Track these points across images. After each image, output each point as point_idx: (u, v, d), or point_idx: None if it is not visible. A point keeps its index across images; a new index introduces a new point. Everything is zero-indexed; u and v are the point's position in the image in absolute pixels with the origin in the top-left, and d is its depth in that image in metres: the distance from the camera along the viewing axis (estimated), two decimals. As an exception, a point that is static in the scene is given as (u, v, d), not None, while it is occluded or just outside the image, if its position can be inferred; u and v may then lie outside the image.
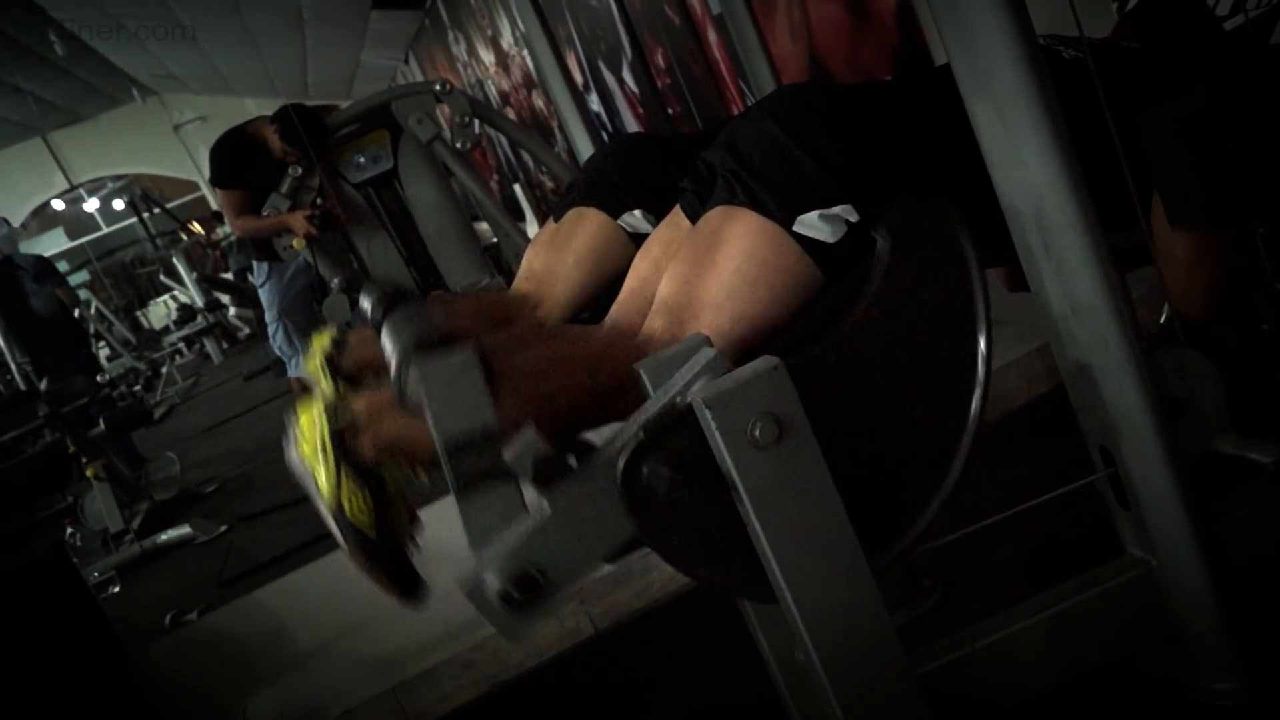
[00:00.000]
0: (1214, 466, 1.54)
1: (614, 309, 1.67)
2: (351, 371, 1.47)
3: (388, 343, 1.30)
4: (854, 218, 1.40)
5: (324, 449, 1.27)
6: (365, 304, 1.46)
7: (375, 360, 1.39)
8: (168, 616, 3.24)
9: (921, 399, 1.33)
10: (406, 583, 1.35)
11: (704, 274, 1.42)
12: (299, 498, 4.02)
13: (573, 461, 1.18)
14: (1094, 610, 1.45)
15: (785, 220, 1.40)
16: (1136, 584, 1.45)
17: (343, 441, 1.27)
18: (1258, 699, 1.43)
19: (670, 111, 5.71)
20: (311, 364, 1.49)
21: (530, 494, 1.18)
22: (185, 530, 4.75)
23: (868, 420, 1.30)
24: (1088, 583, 1.46)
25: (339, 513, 1.28)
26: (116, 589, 4.44)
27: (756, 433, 1.15)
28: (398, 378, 1.25)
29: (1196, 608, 1.43)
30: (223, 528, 4.75)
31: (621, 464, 1.17)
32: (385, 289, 1.47)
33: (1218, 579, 1.41)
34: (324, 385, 1.44)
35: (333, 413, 1.29)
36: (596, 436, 1.23)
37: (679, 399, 1.19)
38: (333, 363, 1.47)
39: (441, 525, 2.63)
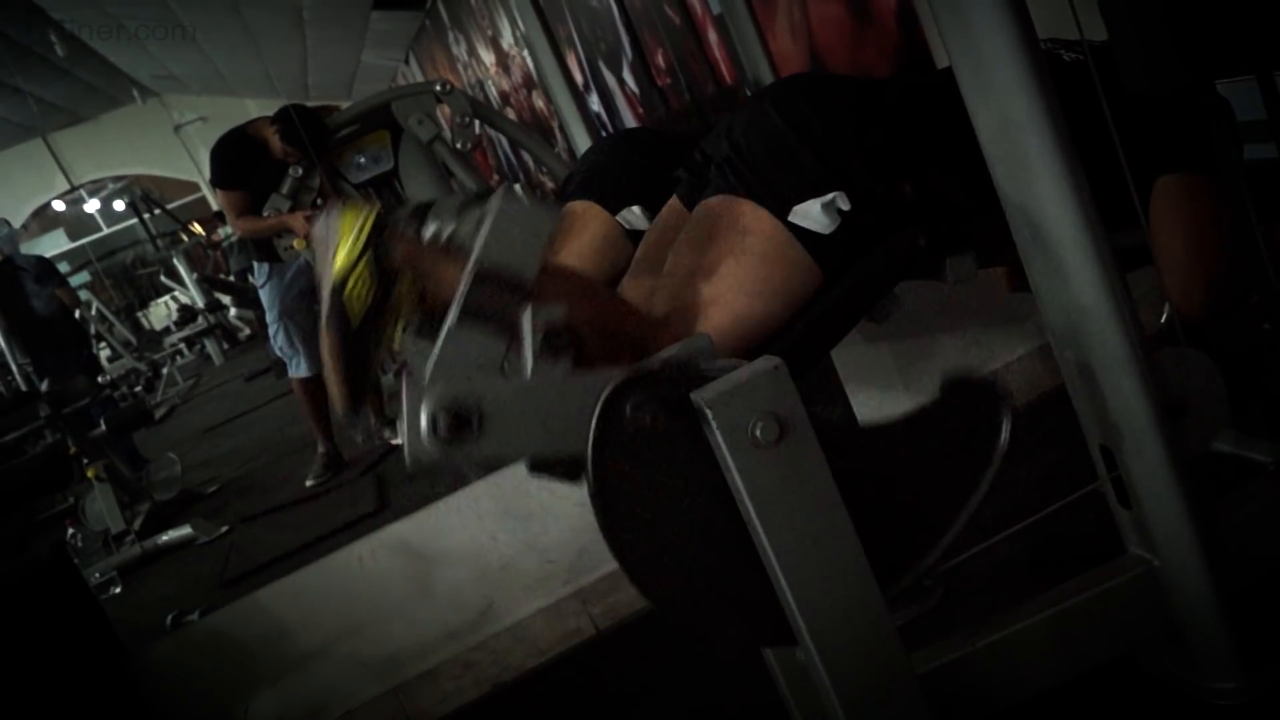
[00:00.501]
0: (1215, 466, 1.54)
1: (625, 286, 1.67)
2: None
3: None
4: (846, 205, 1.40)
5: (358, 234, 1.29)
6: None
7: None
8: (169, 617, 3.24)
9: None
10: (355, 388, 1.36)
11: (704, 267, 1.43)
12: (300, 498, 4.01)
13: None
14: (1095, 609, 1.45)
15: (781, 211, 1.40)
16: (1137, 583, 1.45)
17: (378, 234, 1.29)
18: (1259, 698, 1.43)
19: (670, 111, 5.70)
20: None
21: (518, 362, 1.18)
22: (186, 531, 4.75)
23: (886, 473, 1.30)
24: (1089, 582, 1.46)
25: (338, 286, 1.30)
26: (118, 590, 4.44)
27: (757, 432, 1.15)
28: (473, 199, 1.26)
29: (1197, 607, 1.43)
30: (224, 528, 4.75)
31: (617, 381, 1.17)
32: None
33: (1219, 578, 1.41)
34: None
35: (379, 217, 1.31)
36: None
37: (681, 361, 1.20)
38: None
39: (442, 529, 2.64)
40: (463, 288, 1.18)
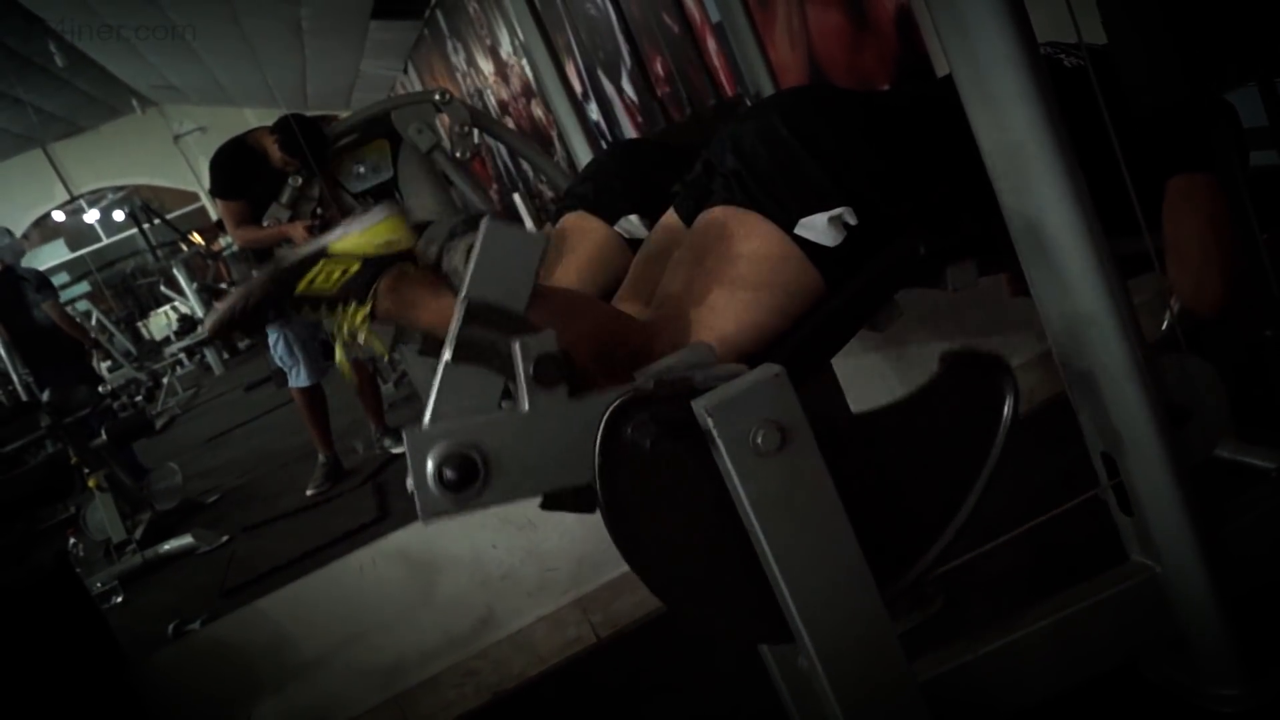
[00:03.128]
0: (1217, 472, 1.54)
1: (620, 297, 1.67)
2: None
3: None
4: (853, 220, 1.40)
5: (384, 244, 1.35)
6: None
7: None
8: (170, 626, 3.23)
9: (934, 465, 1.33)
10: (235, 324, 1.38)
11: (706, 275, 1.43)
12: (301, 507, 4.01)
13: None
14: (1097, 616, 1.45)
15: (787, 223, 1.40)
16: (1139, 590, 1.45)
17: (389, 263, 1.34)
18: (1261, 705, 1.43)
19: (669, 120, 5.71)
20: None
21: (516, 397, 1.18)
22: (187, 540, 4.74)
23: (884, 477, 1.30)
24: (1091, 589, 1.46)
25: (321, 252, 1.35)
26: (119, 599, 4.43)
27: (759, 440, 1.15)
28: (460, 227, 1.26)
29: (1199, 614, 1.43)
30: (224, 537, 4.74)
31: (614, 404, 1.17)
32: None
33: (1221, 585, 1.41)
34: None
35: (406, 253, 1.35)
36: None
37: (676, 376, 1.20)
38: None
39: (442, 538, 2.64)
40: (454, 326, 1.18)
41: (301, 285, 1.33)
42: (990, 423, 1.29)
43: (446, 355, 1.18)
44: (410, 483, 1.17)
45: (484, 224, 1.21)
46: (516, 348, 1.15)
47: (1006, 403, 1.28)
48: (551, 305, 1.29)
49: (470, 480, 1.16)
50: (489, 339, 1.18)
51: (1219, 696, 1.46)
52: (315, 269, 1.34)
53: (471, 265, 1.19)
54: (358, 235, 1.34)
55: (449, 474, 1.15)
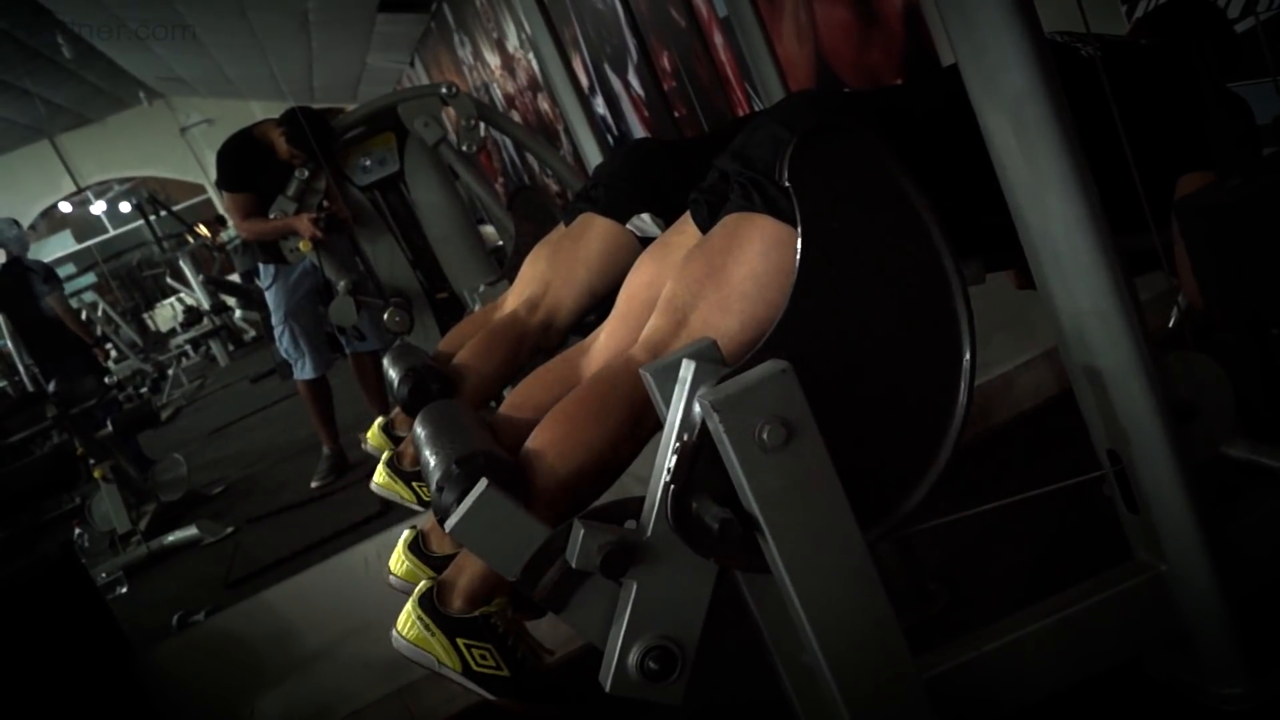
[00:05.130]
0: (1222, 470, 1.54)
1: (615, 310, 1.68)
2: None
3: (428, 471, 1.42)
4: None
5: (428, 628, 1.38)
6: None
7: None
8: (175, 617, 3.23)
9: (901, 351, 1.33)
10: (555, 696, 1.43)
11: (715, 276, 1.43)
12: (305, 500, 4.01)
13: (631, 524, 1.23)
14: (1101, 614, 1.45)
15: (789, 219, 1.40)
16: (1144, 588, 1.45)
17: (440, 615, 1.38)
18: (1265, 704, 1.43)
19: (676, 115, 5.70)
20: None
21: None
22: (192, 531, 4.75)
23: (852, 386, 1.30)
24: (1095, 586, 1.46)
25: (469, 671, 1.38)
26: (124, 590, 4.44)
27: (765, 435, 1.15)
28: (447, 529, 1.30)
29: (1204, 612, 1.42)
30: (229, 529, 4.75)
31: (668, 513, 1.20)
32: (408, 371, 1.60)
33: (1226, 583, 1.40)
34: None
35: (427, 596, 1.39)
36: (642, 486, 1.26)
37: (690, 423, 1.21)
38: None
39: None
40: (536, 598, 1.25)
41: (489, 668, 1.40)
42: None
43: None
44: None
45: (448, 527, 1.28)
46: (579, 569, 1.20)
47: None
48: (541, 477, 1.38)
49: (670, 657, 1.23)
50: (555, 577, 1.23)
51: (1223, 695, 1.46)
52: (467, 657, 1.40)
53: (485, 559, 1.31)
54: (405, 624, 1.41)
55: (654, 668, 1.23)
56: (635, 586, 1.21)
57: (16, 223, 6.72)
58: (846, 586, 1.22)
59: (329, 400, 4.85)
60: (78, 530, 4.84)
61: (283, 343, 4.73)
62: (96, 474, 4.76)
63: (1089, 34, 1.56)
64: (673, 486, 1.18)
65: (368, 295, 3.71)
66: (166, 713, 2.53)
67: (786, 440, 1.16)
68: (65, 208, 16.90)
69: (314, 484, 4.80)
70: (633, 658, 1.21)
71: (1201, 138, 1.57)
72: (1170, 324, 1.57)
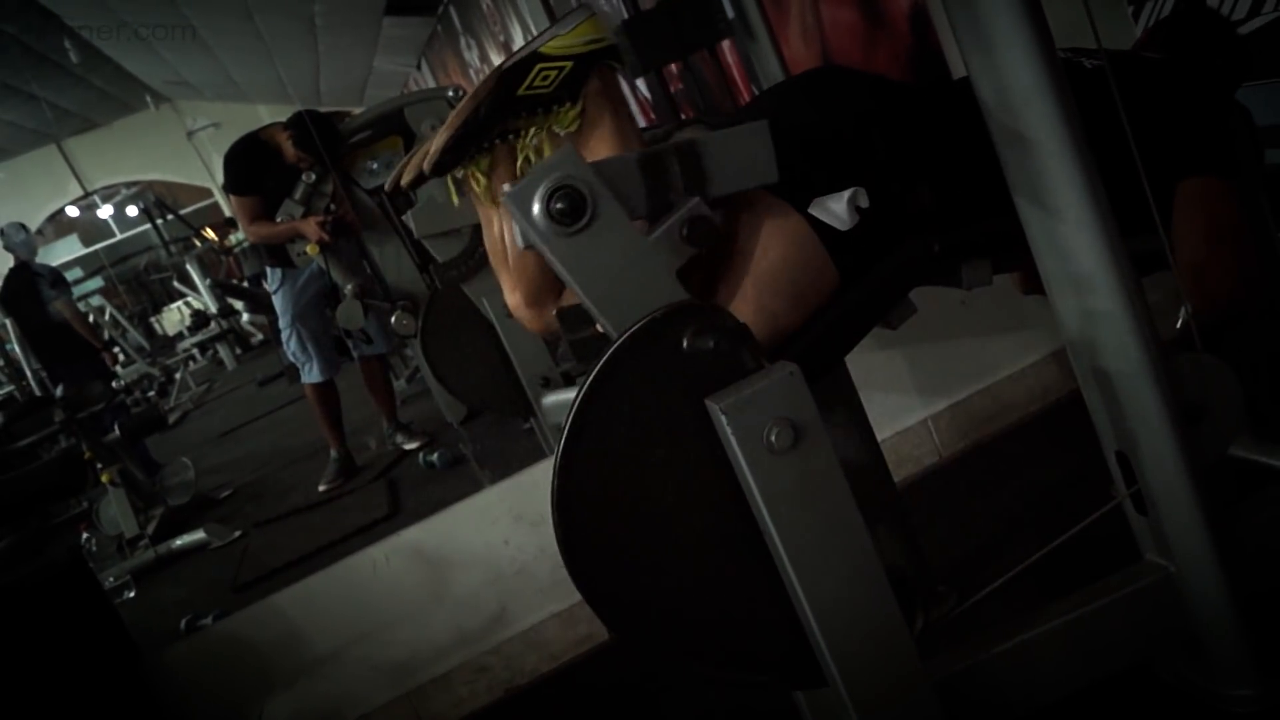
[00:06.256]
0: (1232, 471, 1.53)
1: None
2: None
3: None
4: (865, 203, 1.40)
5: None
6: None
7: None
8: (183, 621, 3.23)
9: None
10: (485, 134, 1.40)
11: (724, 261, 1.42)
12: (313, 503, 4.00)
13: None
14: (1111, 616, 1.44)
15: (801, 202, 1.40)
16: (1154, 590, 1.45)
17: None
18: (1275, 706, 1.42)
19: (683, 118, 5.69)
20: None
21: None
22: (200, 535, 4.74)
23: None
24: (1105, 589, 1.46)
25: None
26: (132, 594, 4.43)
27: (773, 438, 1.15)
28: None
29: (1214, 614, 1.42)
30: (237, 533, 4.74)
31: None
32: None
33: (1235, 585, 1.40)
34: None
35: None
36: None
37: None
38: None
39: (455, 534, 2.64)
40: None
41: (522, 88, 1.37)
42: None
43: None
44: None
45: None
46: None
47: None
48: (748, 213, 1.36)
49: (579, 215, 1.20)
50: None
51: (1233, 697, 1.45)
52: (534, 72, 1.37)
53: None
54: (565, 36, 1.38)
55: (558, 205, 1.18)
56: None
57: (24, 227, 6.72)
58: (855, 589, 1.22)
59: (337, 404, 4.85)
60: (85, 534, 4.84)
61: (290, 346, 4.73)
62: (104, 478, 4.77)
63: (1092, 49, 1.56)
64: None
65: (375, 298, 3.71)
66: (175, 717, 2.53)
67: (795, 442, 1.16)
68: (72, 212, 16.93)
69: (322, 487, 4.79)
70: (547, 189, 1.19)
71: (1198, 145, 1.57)
72: (1178, 325, 1.56)
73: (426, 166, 1.39)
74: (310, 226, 3.79)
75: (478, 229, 2.05)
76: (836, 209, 1.39)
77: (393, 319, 3.48)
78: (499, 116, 1.37)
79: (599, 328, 1.29)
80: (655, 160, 1.23)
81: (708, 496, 1.20)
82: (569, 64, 1.37)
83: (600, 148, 1.39)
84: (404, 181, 1.48)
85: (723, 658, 1.26)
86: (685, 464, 1.19)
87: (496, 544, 2.56)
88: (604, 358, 1.16)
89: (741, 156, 1.27)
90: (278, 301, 4.67)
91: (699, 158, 1.25)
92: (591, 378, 1.16)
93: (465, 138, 1.38)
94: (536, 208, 1.18)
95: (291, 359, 4.80)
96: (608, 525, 1.19)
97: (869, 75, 1.62)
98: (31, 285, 6.16)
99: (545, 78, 1.37)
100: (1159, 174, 1.40)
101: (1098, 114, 1.32)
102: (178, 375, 11.08)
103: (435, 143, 1.39)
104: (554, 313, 1.56)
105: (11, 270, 6.36)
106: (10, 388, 8.49)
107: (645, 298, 1.19)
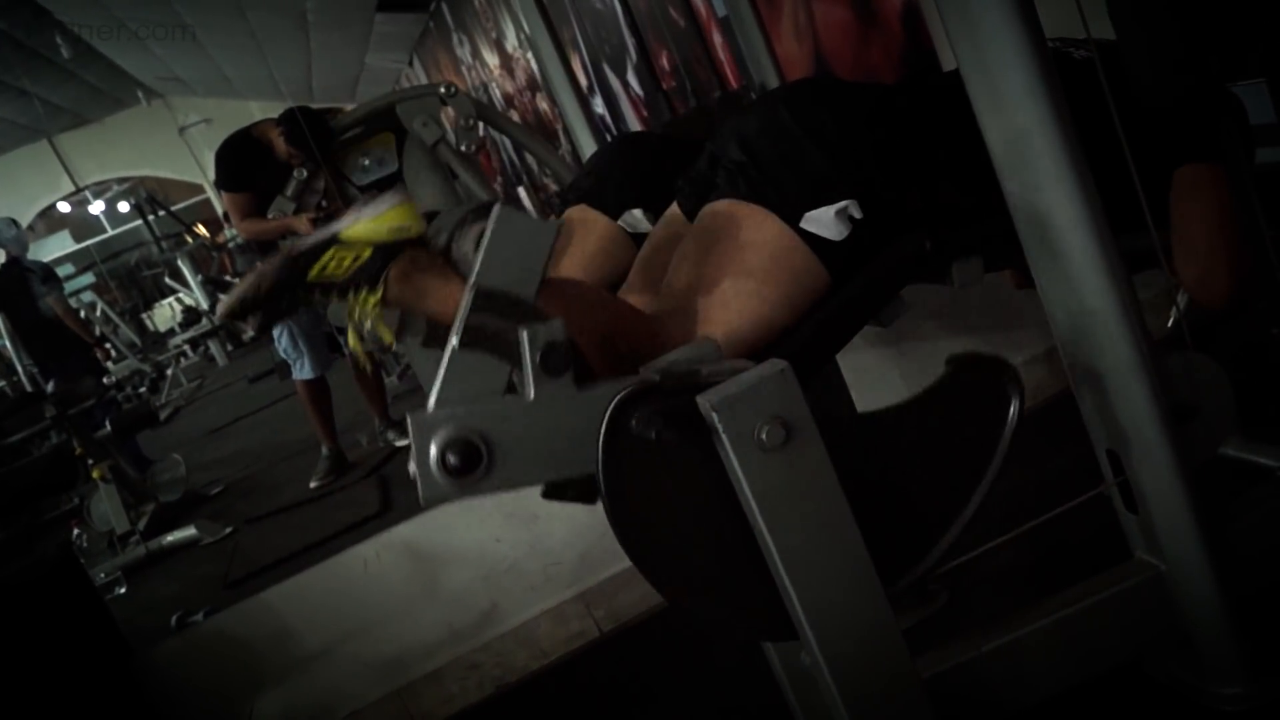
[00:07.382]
0: (1222, 470, 1.53)
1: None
2: None
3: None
4: (858, 214, 1.40)
5: (397, 230, 1.34)
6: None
7: None
8: (174, 618, 3.23)
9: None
10: (249, 309, 1.36)
11: (710, 269, 1.42)
12: (304, 500, 4.02)
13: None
14: (1101, 614, 1.44)
15: (792, 217, 1.40)
16: (1144, 588, 1.45)
17: (400, 249, 1.33)
18: (1265, 704, 1.42)
19: (675, 114, 5.70)
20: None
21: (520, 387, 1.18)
22: (191, 532, 4.75)
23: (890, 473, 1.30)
24: (1095, 587, 1.46)
25: (333, 239, 1.34)
26: (123, 590, 4.44)
27: (763, 436, 1.15)
28: (471, 215, 1.26)
29: (1204, 612, 1.42)
30: (228, 529, 4.74)
31: (620, 395, 1.17)
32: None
33: (1226, 584, 1.40)
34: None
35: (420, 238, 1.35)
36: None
37: (682, 370, 1.20)
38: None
39: (446, 532, 2.63)
40: (461, 312, 1.18)
41: (314, 272, 1.33)
42: (995, 426, 1.28)
43: (454, 341, 1.18)
44: (412, 467, 1.17)
45: (495, 211, 1.21)
46: (524, 335, 1.15)
47: (1012, 407, 1.28)
48: (560, 295, 1.29)
49: (473, 466, 1.16)
50: (497, 326, 1.18)
51: (1223, 695, 1.45)
52: (327, 255, 1.33)
53: (482, 252, 1.19)
54: (369, 222, 1.34)
55: (452, 459, 1.15)
56: (533, 393, 1.17)
57: (15, 223, 6.71)
58: (845, 586, 1.22)
59: (328, 400, 4.85)
60: (76, 530, 4.84)
61: (281, 343, 4.73)
62: (95, 474, 4.76)
63: (1081, 39, 1.56)
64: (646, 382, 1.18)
65: (367, 295, 3.71)
66: (165, 713, 2.53)
67: (786, 440, 1.15)
68: (64, 208, 16.89)
69: (313, 484, 4.80)
70: (452, 433, 1.16)
71: (1193, 133, 1.56)
72: (1169, 323, 1.57)
73: (218, 318, 1.38)
74: (302, 223, 3.78)
75: None
76: (828, 221, 1.39)
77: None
78: (282, 296, 1.34)
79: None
80: (481, 340, 1.19)
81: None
82: (368, 251, 1.33)
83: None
84: (220, 315, 1.45)
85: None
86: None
87: (487, 541, 2.57)
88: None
89: (512, 252, 1.22)
90: (269, 298, 4.67)
91: (489, 296, 1.19)
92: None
93: (241, 311, 1.35)
94: (434, 457, 1.16)
95: (283, 356, 4.80)
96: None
97: (853, 84, 1.61)
98: (23, 281, 6.16)
99: (340, 262, 1.33)
100: (1151, 165, 1.40)
101: (1087, 106, 1.32)
102: (169, 371, 11.07)
103: (228, 300, 1.37)
104: None
105: (2, 266, 6.36)
106: (1, 383, 8.47)
107: (580, 432, 1.18)
